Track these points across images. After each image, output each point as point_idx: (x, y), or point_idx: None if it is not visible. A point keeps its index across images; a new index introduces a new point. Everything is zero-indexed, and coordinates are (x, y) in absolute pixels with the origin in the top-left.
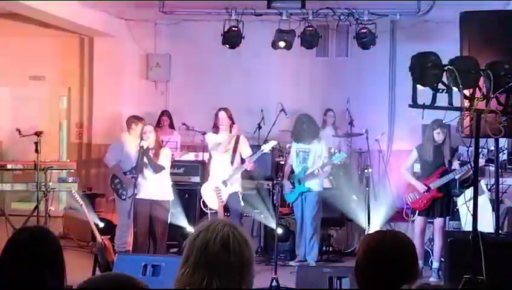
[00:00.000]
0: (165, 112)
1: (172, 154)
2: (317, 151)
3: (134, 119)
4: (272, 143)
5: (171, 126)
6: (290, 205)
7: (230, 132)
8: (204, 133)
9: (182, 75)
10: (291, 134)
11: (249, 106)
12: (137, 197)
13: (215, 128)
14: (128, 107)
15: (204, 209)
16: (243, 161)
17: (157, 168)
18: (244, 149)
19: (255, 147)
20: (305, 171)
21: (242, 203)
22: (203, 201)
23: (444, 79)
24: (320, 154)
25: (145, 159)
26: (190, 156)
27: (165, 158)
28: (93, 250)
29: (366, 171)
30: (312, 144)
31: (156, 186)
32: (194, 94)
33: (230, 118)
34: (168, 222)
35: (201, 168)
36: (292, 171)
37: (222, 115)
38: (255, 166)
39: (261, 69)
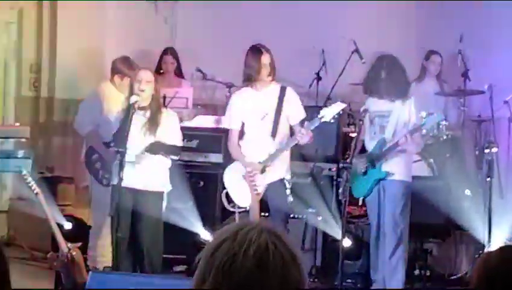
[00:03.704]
0: (169, 50)
1: (180, 118)
2: (402, 116)
3: (123, 68)
4: (338, 107)
5: (179, 73)
6: (363, 202)
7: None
8: (230, 86)
9: None
10: (363, 84)
11: (302, 44)
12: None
13: (250, 82)
14: (112, 42)
15: (228, 206)
16: (292, 130)
17: (156, 148)
18: (294, 110)
19: (311, 110)
20: (382, 146)
21: (290, 199)
22: (227, 194)
23: None
24: (406, 120)
25: (132, 124)
26: (208, 121)
27: (168, 127)
28: (54, 265)
29: (487, 151)
30: (395, 102)
31: (145, 170)
32: (215, 24)
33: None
34: (163, 222)
35: (226, 142)
36: (364, 149)
37: (267, 58)
38: (311, 138)
39: None
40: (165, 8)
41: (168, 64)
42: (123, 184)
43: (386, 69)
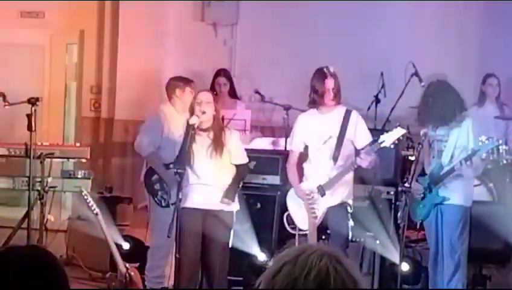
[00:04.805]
0: (222, 72)
1: None
2: (460, 141)
3: (179, 82)
4: (399, 132)
5: (233, 95)
6: (421, 225)
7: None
8: (288, 108)
9: (256, 15)
10: (417, 114)
11: (362, 68)
12: (184, 205)
13: (314, 105)
14: (172, 63)
15: (289, 228)
16: (356, 152)
17: (232, 191)
18: (360, 134)
19: (371, 133)
20: (439, 171)
21: (351, 223)
22: (289, 216)
23: None
24: (465, 144)
25: (197, 146)
26: (265, 143)
27: (233, 146)
28: (112, 285)
29: None
30: (452, 128)
31: (216, 190)
32: (274, 47)
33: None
34: (230, 245)
35: (283, 163)
36: (424, 173)
37: (330, 83)
38: (375, 161)
39: (380, 11)
40: (224, 30)
41: (220, 86)
42: (193, 205)
43: (437, 94)
